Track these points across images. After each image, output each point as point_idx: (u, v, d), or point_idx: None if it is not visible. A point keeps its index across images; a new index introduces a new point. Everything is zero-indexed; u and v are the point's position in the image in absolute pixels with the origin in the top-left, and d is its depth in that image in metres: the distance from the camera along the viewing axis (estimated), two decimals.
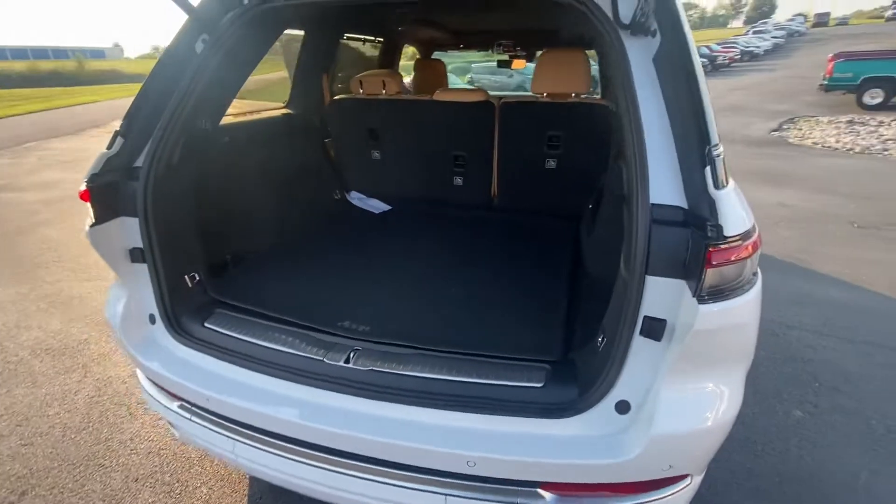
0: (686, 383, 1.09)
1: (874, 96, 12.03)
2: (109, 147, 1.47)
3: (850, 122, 10.54)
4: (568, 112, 2.40)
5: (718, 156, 1.02)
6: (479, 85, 12.79)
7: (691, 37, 1.16)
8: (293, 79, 2.83)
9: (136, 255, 1.53)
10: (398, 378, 1.30)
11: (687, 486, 1.22)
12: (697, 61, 1.12)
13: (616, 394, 1.15)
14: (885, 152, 8.05)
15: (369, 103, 2.72)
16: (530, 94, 2.48)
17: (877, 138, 8.89)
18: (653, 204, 1.06)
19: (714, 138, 1.04)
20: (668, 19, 1.17)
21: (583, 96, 2.46)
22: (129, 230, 1.52)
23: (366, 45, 3.56)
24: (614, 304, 1.23)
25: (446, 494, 1.23)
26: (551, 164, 2.56)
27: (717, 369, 1.10)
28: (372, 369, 1.31)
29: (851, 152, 8.28)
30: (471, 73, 13.54)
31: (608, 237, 1.67)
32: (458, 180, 2.78)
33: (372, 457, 1.23)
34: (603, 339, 1.25)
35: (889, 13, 58.86)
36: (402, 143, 2.81)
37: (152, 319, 1.58)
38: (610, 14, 1.21)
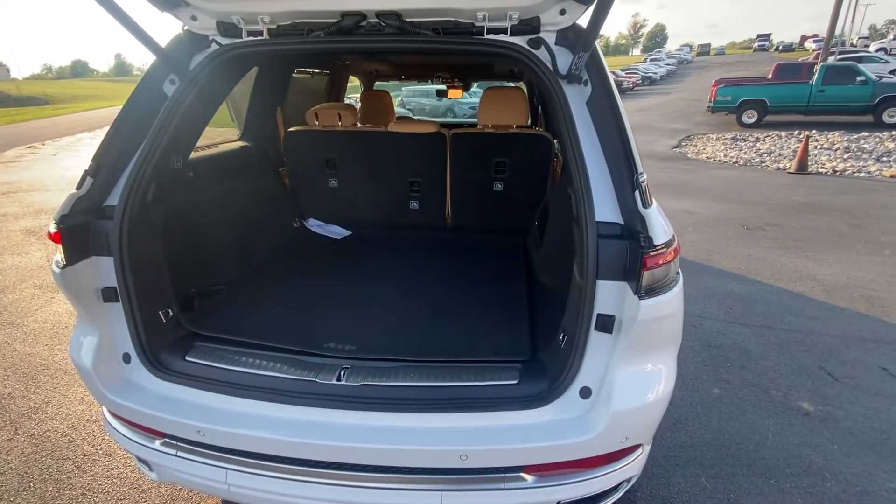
0: (633, 366, 1.33)
1: (750, 116, 14.12)
2: (79, 187, 1.47)
3: (734, 138, 12.23)
4: (511, 141, 2.70)
5: (643, 181, 1.29)
6: (410, 107, 13.18)
7: (614, 85, 1.45)
8: (247, 112, 2.87)
9: (108, 295, 1.52)
10: (389, 389, 1.42)
11: (640, 455, 1.46)
12: (621, 104, 1.41)
13: (579, 381, 1.36)
14: (762, 164, 9.47)
15: (326, 134, 2.84)
16: (476, 124, 2.74)
17: (755, 152, 10.42)
18: (598, 221, 1.30)
19: (639, 167, 1.32)
20: (595, 71, 1.45)
21: (523, 127, 2.77)
22: (100, 269, 1.51)
23: (312, 77, 3.67)
24: (572, 306, 1.45)
25: (441, 490, 1.36)
26: (498, 186, 2.83)
27: (656, 353, 1.35)
28: (364, 384, 1.42)
29: (737, 164, 9.63)
30: (401, 96, 13.91)
31: (556, 251, 1.93)
32: (415, 204, 2.96)
33: (372, 465, 1.34)
34: (564, 336, 1.47)
35: (755, 45, 69.24)
36: (360, 171, 2.94)
37: (127, 359, 1.56)
38: (550, 67, 1.47)
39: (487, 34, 1.52)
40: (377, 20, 1.52)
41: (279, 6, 1.54)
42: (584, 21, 1.47)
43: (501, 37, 1.51)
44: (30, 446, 2.39)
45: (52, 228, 1.41)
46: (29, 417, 2.61)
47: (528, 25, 1.49)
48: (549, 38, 1.50)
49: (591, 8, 1.40)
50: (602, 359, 1.35)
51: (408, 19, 1.51)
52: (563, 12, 1.46)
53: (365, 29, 1.54)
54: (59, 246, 1.42)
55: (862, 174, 8.37)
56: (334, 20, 1.54)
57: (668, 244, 1.25)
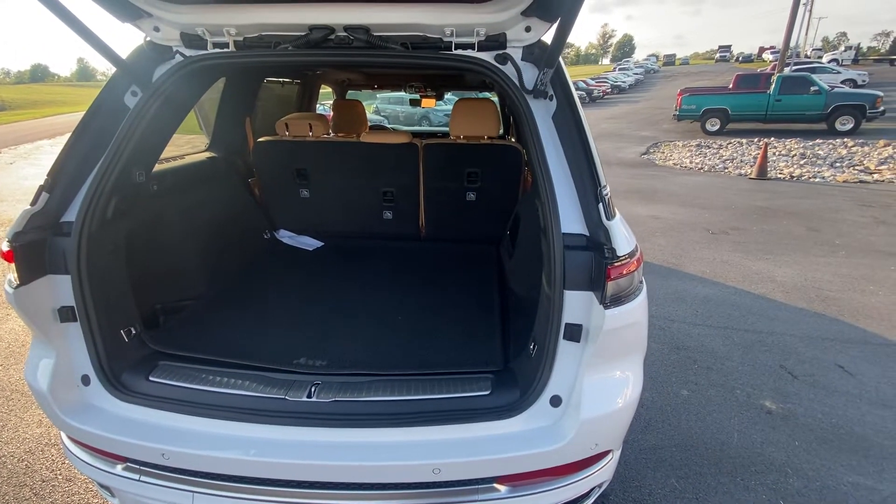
0: (601, 374, 1.37)
1: (713, 124, 14.70)
2: (33, 203, 1.41)
3: (699, 145, 12.70)
4: (482, 152, 2.73)
5: (607, 194, 1.33)
6: (385, 113, 13.18)
7: (578, 100, 1.50)
8: (215, 122, 2.81)
9: (65, 314, 1.46)
10: (361, 404, 1.41)
11: (610, 460, 1.49)
12: (585, 119, 1.45)
13: (550, 390, 1.39)
14: (725, 170, 9.86)
15: (297, 145, 2.81)
16: (448, 134, 2.77)
17: (718, 159, 10.84)
18: (564, 233, 1.34)
19: (603, 180, 1.36)
20: (560, 87, 1.49)
21: (494, 138, 2.81)
22: (57, 288, 1.45)
23: (283, 85, 3.63)
24: (541, 316, 1.48)
25: None
26: (471, 196, 2.86)
27: (622, 360, 1.39)
28: (335, 399, 1.41)
29: (702, 171, 10.00)
30: (376, 103, 13.90)
31: (527, 261, 1.96)
32: (388, 214, 2.96)
33: (344, 482, 1.32)
34: (534, 346, 1.50)
35: (717, 56, 72.51)
36: (332, 181, 2.92)
37: (86, 381, 1.49)
38: (517, 82, 1.51)
39: (455, 49, 1.55)
40: (345, 34, 1.52)
41: (246, 18, 1.52)
42: (549, 37, 1.52)
43: (469, 52, 1.54)
44: None
45: (5, 247, 1.35)
46: None
47: (495, 41, 1.53)
48: (516, 53, 1.54)
49: (555, 25, 1.44)
50: (571, 367, 1.38)
51: (376, 34, 1.52)
52: (528, 29, 1.50)
53: (333, 42, 1.55)
54: (13, 265, 1.35)
55: (817, 179, 8.82)
56: (302, 33, 1.54)
57: (630, 254, 1.29)
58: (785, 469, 2.27)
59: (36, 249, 1.40)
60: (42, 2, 1.20)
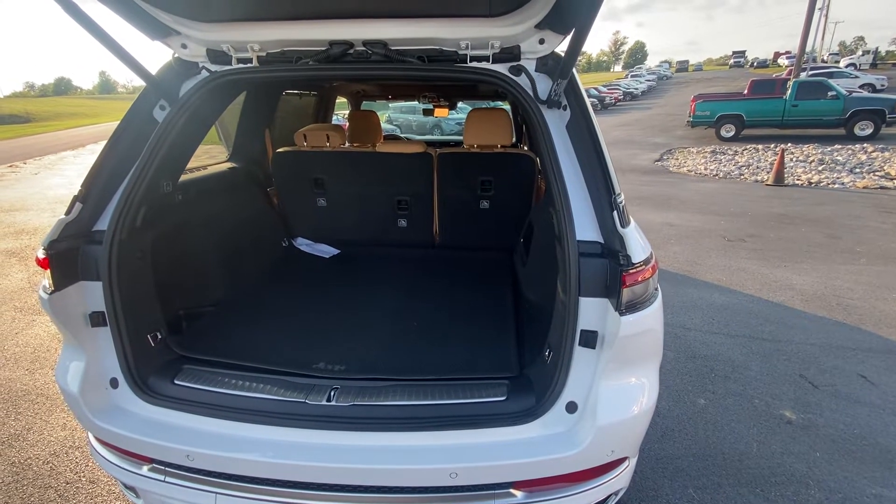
0: (617, 380, 1.37)
1: (728, 130, 14.56)
2: (68, 213, 1.48)
3: (714, 151, 12.58)
4: (496, 160, 2.77)
5: (621, 202, 1.35)
6: (397, 123, 13.34)
7: (592, 109, 1.52)
8: (236, 133, 2.90)
9: (96, 319, 1.52)
10: (379, 408, 1.43)
11: (627, 468, 1.49)
12: (599, 128, 1.47)
13: (565, 396, 1.39)
14: (741, 176, 9.75)
15: (314, 155, 2.88)
16: (461, 143, 2.81)
17: (734, 165, 10.73)
18: (579, 240, 1.35)
19: (617, 188, 1.38)
20: (574, 97, 1.52)
21: (507, 146, 2.84)
22: (88, 294, 1.51)
23: (300, 97, 3.73)
24: (556, 323, 1.49)
25: None
26: (485, 204, 2.89)
27: (638, 367, 1.39)
28: (353, 404, 1.44)
29: (717, 177, 9.90)
30: (388, 112, 14.08)
31: (541, 268, 1.98)
32: (403, 222, 3.01)
33: (363, 485, 1.34)
34: (549, 352, 1.51)
35: (731, 61, 71.87)
36: (348, 190, 2.98)
37: (114, 384, 1.55)
38: (531, 92, 1.54)
39: (470, 62, 1.59)
40: (364, 48, 1.57)
41: (269, 35, 1.58)
42: (562, 48, 1.55)
43: (484, 64, 1.58)
44: (10, 475, 2.33)
45: (41, 254, 1.42)
46: (9, 445, 2.54)
47: (509, 54, 1.56)
48: (530, 65, 1.57)
49: (569, 37, 1.47)
50: (587, 374, 1.39)
51: (393, 48, 1.57)
52: (542, 41, 1.53)
53: (352, 56, 1.60)
54: (47, 271, 1.42)
55: (836, 185, 8.66)
56: (322, 48, 1.59)
57: (646, 262, 1.30)
58: (806, 480, 2.22)
59: (69, 257, 1.46)
60: (80, 23, 1.28)
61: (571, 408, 1.40)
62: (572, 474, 1.41)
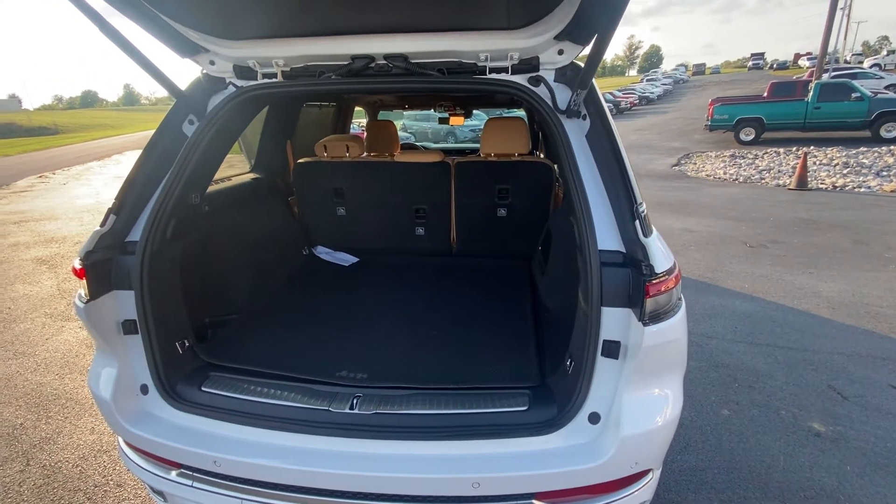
0: (640, 391, 1.36)
1: (748, 134, 14.29)
2: (102, 225, 1.53)
3: (733, 155, 12.37)
4: (513, 169, 2.78)
5: (643, 212, 1.34)
6: (412, 130, 13.46)
7: (612, 118, 1.52)
8: (258, 145, 2.98)
9: (128, 327, 1.57)
10: (401, 417, 1.45)
11: (651, 479, 1.46)
12: (619, 137, 1.47)
13: (588, 407, 1.39)
14: (762, 181, 9.55)
15: (334, 165, 2.94)
16: (477, 151, 2.83)
17: (754, 169, 10.52)
18: (600, 250, 1.35)
19: (639, 197, 1.37)
20: (593, 107, 1.52)
21: (524, 154, 2.85)
22: (122, 303, 1.56)
23: (320, 108, 3.82)
24: (578, 332, 1.49)
25: None
26: (502, 212, 2.90)
27: (662, 377, 1.38)
28: (376, 412, 1.45)
29: (737, 182, 9.72)
30: (403, 120, 14.23)
31: (560, 276, 1.97)
32: (420, 230, 3.03)
33: (386, 494, 1.35)
34: (571, 362, 1.50)
35: (750, 64, 70.65)
36: (367, 199, 3.03)
37: (144, 390, 1.59)
38: (550, 103, 1.55)
39: (490, 73, 1.61)
40: (385, 62, 1.61)
41: (293, 50, 1.63)
42: (581, 59, 1.56)
43: (503, 76, 1.60)
44: (41, 477, 2.41)
45: (77, 264, 1.47)
46: (41, 448, 2.62)
47: (528, 65, 1.58)
48: (549, 75, 1.58)
49: (588, 48, 1.48)
50: (609, 384, 1.38)
51: (414, 61, 1.60)
52: (560, 52, 1.54)
53: (374, 70, 1.63)
54: (83, 281, 1.47)
55: (862, 189, 8.42)
56: (345, 62, 1.63)
57: (669, 272, 1.29)
58: (836, 495, 2.16)
59: (104, 267, 1.52)
60: (117, 44, 1.33)
61: (594, 419, 1.39)
62: (595, 486, 1.39)
